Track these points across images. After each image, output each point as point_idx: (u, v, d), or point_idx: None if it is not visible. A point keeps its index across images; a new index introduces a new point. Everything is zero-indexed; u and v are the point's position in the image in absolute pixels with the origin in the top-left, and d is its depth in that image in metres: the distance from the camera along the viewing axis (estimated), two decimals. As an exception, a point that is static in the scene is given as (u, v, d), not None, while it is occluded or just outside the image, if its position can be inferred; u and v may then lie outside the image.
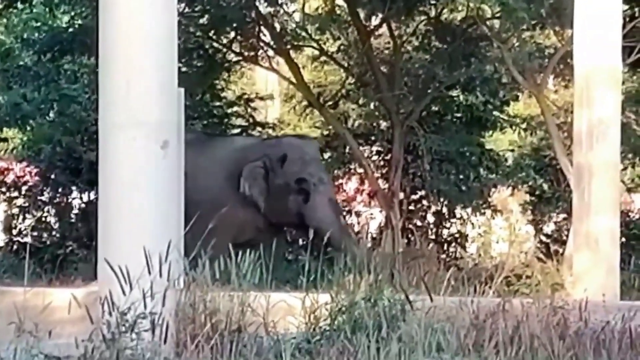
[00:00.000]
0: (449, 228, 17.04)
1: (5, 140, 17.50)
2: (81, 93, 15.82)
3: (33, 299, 6.39)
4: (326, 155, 16.43)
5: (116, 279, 5.72)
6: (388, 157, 16.22)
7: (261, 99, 17.87)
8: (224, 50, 16.16)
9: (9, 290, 8.07)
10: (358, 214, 16.74)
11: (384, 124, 16.96)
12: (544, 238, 16.72)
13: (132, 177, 6.09)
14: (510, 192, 17.67)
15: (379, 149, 16.97)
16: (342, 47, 16.49)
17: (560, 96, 16.68)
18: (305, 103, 17.23)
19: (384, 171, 16.52)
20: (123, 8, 6.17)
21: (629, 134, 14.45)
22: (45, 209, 16.13)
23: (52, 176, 15.90)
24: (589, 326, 6.36)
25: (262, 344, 6.08)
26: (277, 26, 15.90)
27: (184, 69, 14.58)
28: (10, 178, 16.35)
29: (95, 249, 6.30)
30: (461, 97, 16.88)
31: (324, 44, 16.65)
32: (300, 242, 15.02)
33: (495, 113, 16.92)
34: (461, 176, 16.53)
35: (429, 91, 15.85)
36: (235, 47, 16.15)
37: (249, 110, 17.26)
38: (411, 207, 16.54)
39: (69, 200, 16.03)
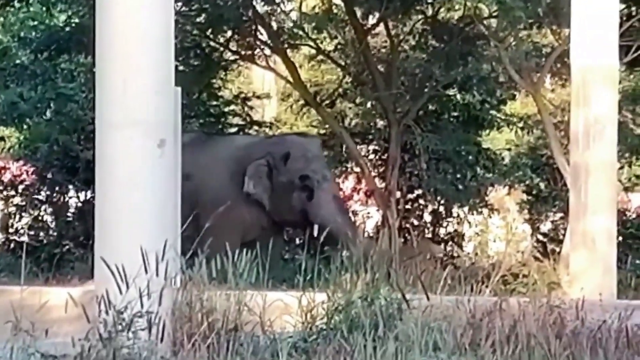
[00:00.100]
0: (445, 227, 17.05)
1: (2, 139, 17.52)
2: (78, 92, 15.83)
3: (29, 297, 6.36)
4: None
5: (113, 278, 5.70)
6: (385, 156, 16.22)
7: (258, 97, 17.89)
8: (221, 49, 16.16)
9: (5, 289, 8.06)
10: (355, 213, 16.74)
11: (380, 123, 16.96)
12: (540, 237, 16.74)
13: (129, 176, 6.07)
14: (507, 191, 17.67)
15: (376, 148, 16.97)
16: (339, 46, 16.49)
17: (557, 95, 16.68)
18: (302, 102, 17.20)
19: (380, 170, 16.53)
20: (120, 7, 6.16)
21: (625, 133, 14.47)
22: (42, 207, 16.12)
23: (49, 175, 15.89)
24: (585, 325, 6.35)
25: (258, 343, 6.07)
26: (274, 25, 15.89)
27: (181, 68, 14.56)
28: (7, 177, 16.34)
29: (92, 248, 6.30)
30: (458, 96, 16.88)
31: (321, 42, 16.65)
32: (298, 240, 15.02)
33: (492, 112, 16.92)
34: (458, 175, 16.53)
35: (426, 90, 15.85)
36: (232, 45, 16.15)
37: (246, 109, 17.26)
38: (408, 206, 16.55)
39: (66, 199, 16.02)
